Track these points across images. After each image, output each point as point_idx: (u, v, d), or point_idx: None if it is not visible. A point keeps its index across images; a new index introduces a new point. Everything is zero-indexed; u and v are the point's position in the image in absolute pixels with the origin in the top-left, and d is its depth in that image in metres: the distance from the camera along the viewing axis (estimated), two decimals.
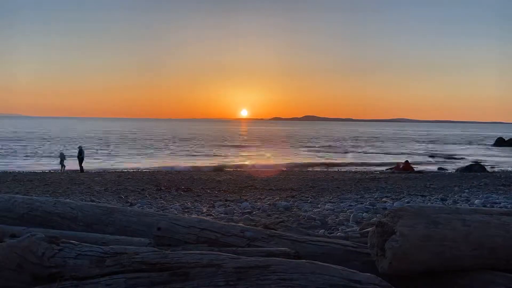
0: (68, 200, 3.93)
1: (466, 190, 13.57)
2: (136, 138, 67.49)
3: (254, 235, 3.04)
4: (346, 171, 25.30)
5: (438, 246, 2.44)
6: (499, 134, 72.95)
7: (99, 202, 9.29)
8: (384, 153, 45.12)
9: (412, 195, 12.48)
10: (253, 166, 29.42)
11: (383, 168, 27.06)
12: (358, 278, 2.11)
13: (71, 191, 13.36)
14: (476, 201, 10.19)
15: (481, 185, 15.52)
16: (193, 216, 6.33)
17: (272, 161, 34.56)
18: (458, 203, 10.34)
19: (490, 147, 56.31)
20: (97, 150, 41.40)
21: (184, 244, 3.03)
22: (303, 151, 47.65)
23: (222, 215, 8.29)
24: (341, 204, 9.96)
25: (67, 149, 34.81)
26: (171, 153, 40.86)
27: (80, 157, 23.53)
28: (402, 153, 43.76)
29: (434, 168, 29.24)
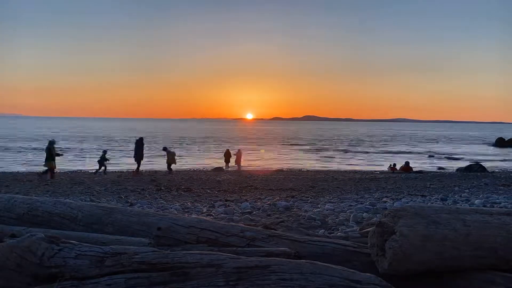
0: (68, 200, 3.92)
1: (466, 190, 13.56)
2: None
3: (254, 235, 3.04)
4: (346, 171, 25.30)
5: (438, 246, 2.44)
6: (499, 134, 72.99)
7: (99, 202, 9.29)
8: (384, 153, 45.12)
9: (412, 195, 12.47)
10: (252, 166, 29.40)
11: (383, 168, 27.09)
12: (358, 278, 2.11)
13: (71, 191, 13.35)
14: (476, 201, 10.17)
15: (481, 185, 15.51)
16: (193, 216, 6.33)
17: (271, 161, 34.54)
18: (458, 203, 10.32)
19: (490, 147, 56.37)
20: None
21: (184, 244, 3.03)
22: (303, 151, 47.64)
23: (222, 215, 8.28)
24: (341, 204, 9.94)
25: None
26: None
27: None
28: (402, 153, 43.77)
29: (434, 168, 29.25)
